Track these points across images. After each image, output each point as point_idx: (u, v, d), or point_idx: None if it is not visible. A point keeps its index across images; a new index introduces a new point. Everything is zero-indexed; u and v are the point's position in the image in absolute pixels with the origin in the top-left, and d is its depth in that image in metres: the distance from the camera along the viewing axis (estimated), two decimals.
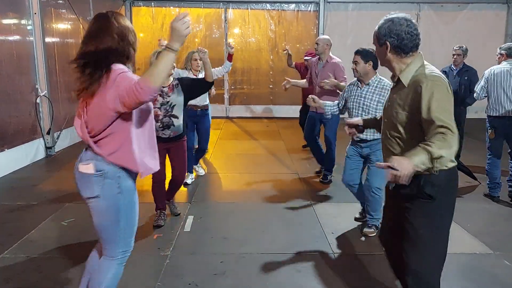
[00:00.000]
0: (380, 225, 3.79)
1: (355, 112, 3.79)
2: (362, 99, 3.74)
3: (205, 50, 3.99)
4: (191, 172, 5.41)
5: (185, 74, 4.97)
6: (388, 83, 3.65)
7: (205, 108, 5.27)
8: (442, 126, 1.92)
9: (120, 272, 2.30)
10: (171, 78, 3.79)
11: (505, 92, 4.65)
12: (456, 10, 10.79)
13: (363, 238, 3.81)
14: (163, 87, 3.72)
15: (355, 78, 3.86)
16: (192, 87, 3.89)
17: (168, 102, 3.76)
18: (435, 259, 2.19)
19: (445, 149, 1.90)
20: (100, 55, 2.02)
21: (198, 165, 5.71)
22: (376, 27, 2.22)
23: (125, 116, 2.06)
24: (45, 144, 6.73)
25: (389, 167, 1.87)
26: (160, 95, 3.74)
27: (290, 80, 5.80)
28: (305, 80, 5.94)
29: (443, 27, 10.72)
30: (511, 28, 10.75)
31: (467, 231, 3.95)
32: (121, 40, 2.09)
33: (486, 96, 4.87)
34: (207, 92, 5.10)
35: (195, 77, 4.91)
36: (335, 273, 3.20)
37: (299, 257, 3.45)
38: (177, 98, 3.80)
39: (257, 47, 11.21)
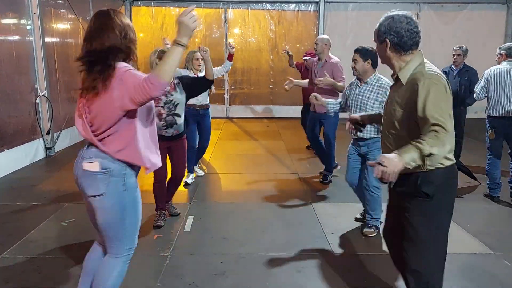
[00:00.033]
0: (380, 224, 3.81)
1: (353, 110, 3.82)
2: (360, 97, 3.76)
3: (207, 48, 4.04)
4: (192, 172, 5.42)
5: (186, 73, 4.98)
6: (386, 81, 3.68)
7: (206, 107, 5.32)
8: (435, 124, 1.93)
9: (125, 270, 2.30)
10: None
11: (505, 93, 4.65)
12: (456, 10, 10.79)
13: (363, 238, 3.81)
14: None
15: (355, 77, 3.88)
16: (193, 86, 3.92)
17: (171, 100, 3.79)
18: (434, 258, 2.19)
19: (436, 147, 1.90)
20: (106, 53, 2.03)
21: (197, 165, 5.71)
22: (377, 24, 2.22)
23: (130, 114, 2.06)
24: (45, 144, 6.72)
25: (379, 163, 1.88)
26: (163, 94, 3.74)
27: (293, 80, 5.80)
28: (307, 80, 5.95)
29: (443, 27, 10.72)
30: (511, 28, 10.75)
31: (467, 231, 3.95)
32: (123, 38, 2.09)
33: (486, 97, 4.87)
34: (208, 91, 5.13)
35: (195, 76, 4.92)
36: (335, 273, 3.19)
37: (299, 257, 3.45)
38: (179, 97, 3.83)
39: (257, 47, 11.22)
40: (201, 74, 4.91)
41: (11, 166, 5.84)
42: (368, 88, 3.74)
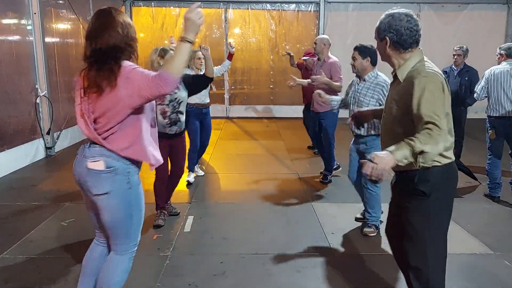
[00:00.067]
0: (380, 224, 3.81)
1: (351, 107, 3.85)
2: (358, 94, 3.79)
3: (207, 47, 4.09)
4: (193, 171, 5.43)
5: (188, 72, 4.99)
6: (383, 79, 3.71)
7: (208, 106, 5.37)
8: (429, 122, 1.92)
9: (130, 266, 2.31)
10: None
11: (505, 93, 4.65)
12: (456, 11, 10.79)
13: (363, 238, 3.80)
14: None
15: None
16: (193, 84, 3.96)
17: (176, 98, 3.82)
18: (434, 257, 2.18)
19: (429, 145, 1.89)
20: (110, 52, 2.03)
21: (197, 165, 5.72)
22: (377, 22, 2.22)
23: (136, 111, 2.07)
24: (45, 144, 6.72)
25: (369, 161, 1.88)
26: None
27: (297, 79, 5.80)
28: (308, 80, 5.96)
29: (443, 28, 10.72)
30: (511, 29, 10.75)
31: (467, 231, 3.95)
32: (125, 36, 2.09)
33: (486, 97, 4.88)
34: (208, 90, 5.15)
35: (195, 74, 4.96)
36: (335, 273, 3.19)
37: (299, 257, 3.45)
38: (183, 94, 3.88)
39: (258, 47, 11.21)
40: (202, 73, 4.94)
41: (11, 166, 5.84)
42: (365, 86, 3.76)
